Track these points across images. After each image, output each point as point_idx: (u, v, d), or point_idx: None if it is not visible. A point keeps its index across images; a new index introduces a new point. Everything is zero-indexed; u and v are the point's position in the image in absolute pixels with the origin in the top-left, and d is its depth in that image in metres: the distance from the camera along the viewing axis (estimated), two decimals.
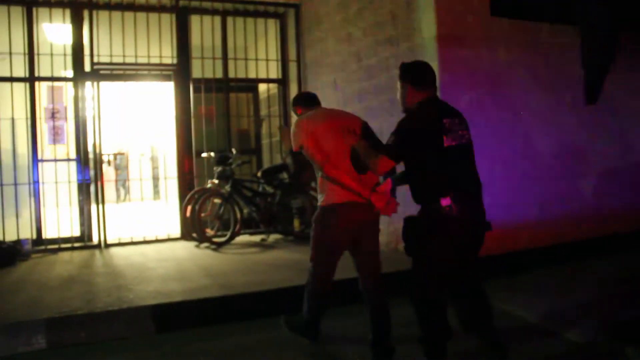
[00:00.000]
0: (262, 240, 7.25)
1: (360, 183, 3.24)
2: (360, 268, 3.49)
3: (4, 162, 7.00)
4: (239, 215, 7.04)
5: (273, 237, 7.37)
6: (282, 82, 8.49)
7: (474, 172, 3.09)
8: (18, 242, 6.59)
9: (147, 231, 7.58)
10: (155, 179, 12.99)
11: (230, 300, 4.35)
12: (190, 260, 6.07)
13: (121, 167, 12.33)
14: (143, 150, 15.37)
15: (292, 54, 8.30)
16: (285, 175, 7.23)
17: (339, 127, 3.37)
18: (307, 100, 3.77)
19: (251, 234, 7.57)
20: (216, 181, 7.13)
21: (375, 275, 3.46)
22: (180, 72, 7.65)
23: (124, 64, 7.42)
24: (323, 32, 7.53)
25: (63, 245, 7.02)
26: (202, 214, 6.98)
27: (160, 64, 7.66)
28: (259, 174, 7.30)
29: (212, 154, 7.40)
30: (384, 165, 2.97)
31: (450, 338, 3.05)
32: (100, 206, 7.10)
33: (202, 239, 6.97)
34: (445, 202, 2.87)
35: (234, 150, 7.36)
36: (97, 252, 6.88)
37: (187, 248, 6.95)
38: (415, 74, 3.12)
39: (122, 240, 7.32)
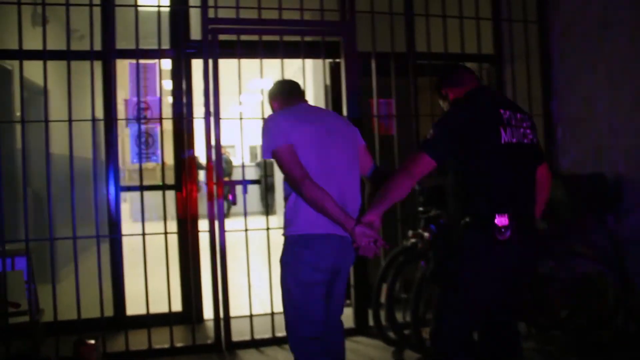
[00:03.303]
0: None
1: (344, 210, 2.42)
2: None
3: (57, 191, 4.07)
4: None
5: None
6: (496, 61, 5.17)
7: (533, 184, 2.51)
8: (79, 343, 3.57)
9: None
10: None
11: None
12: None
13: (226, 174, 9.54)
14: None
15: (515, 11, 4.90)
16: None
17: (333, 134, 2.58)
18: (288, 92, 2.77)
19: None
20: (426, 234, 3.88)
21: (338, 321, 2.73)
22: (350, 38, 4.37)
23: (254, 21, 4.20)
24: None
25: (156, 342, 3.97)
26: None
27: (321, 22, 4.41)
28: None
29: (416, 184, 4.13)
30: (423, 165, 2.35)
31: None
32: (219, 270, 4.02)
33: (415, 346, 3.78)
34: (502, 220, 2.28)
35: None
36: None
37: None
38: (451, 73, 2.64)
39: (257, 332, 4.16)
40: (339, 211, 2.41)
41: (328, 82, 4.95)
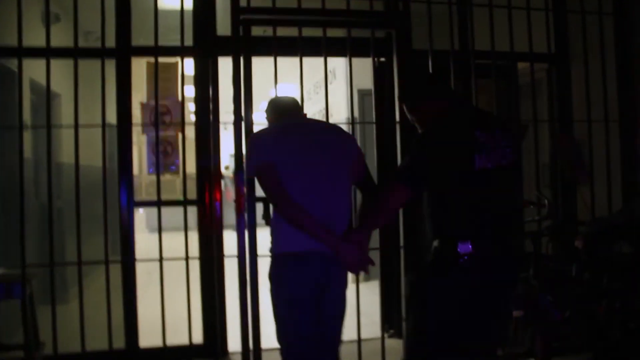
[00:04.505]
0: None
1: (327, 227, 2.43)
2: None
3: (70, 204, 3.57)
4: (546, 335, 3.25)
5: None
6: (557, 60, 4.54)
7: (512, 205, 2.54)
8: None
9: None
10: None
11: None
12: None
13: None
14: None
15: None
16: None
17: (320, 148, 2.55)
18: (281, 109, 2.71)
19: None
20: None
21: (334, 350, 2.65)
22: (404, 31, 3.77)
23: (293, 10, 3.66)
24: None
25: None
26: None
27: (371, 13, 3.78)
28: (579, 244, 3.41)
29: None
30: (399, 196, 2.34)
31: None
32: (249, 297, 3.46)
33: None
34: (464, 247, 2.24)
35: (545, 199, 3.47)
36: None
37: None
38: (431, 82, 2.58)
39: None
40: (319, 229, 2.42)
41: (361, 85, 4.39)
